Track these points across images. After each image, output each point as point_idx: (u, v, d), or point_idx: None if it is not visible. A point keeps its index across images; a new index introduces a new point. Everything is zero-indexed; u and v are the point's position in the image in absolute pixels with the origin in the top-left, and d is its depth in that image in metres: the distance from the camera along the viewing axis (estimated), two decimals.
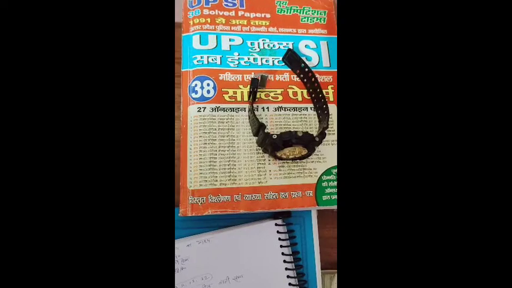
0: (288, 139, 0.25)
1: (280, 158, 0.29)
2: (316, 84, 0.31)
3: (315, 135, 0.28)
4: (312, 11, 0.35)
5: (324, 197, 0.30)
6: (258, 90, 0.32)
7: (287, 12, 0.35)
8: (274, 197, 0.29)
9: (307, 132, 0.26)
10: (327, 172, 0.30)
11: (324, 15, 0.36)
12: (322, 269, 0.36)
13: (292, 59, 0.32)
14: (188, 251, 0.30)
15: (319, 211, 0.37)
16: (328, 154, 0.31)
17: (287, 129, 0.30)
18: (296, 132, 0.26)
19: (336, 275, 0.35)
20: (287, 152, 0.28)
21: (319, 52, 0.34)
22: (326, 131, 0.31)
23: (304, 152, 0.28)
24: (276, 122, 0.31)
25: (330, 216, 0.38)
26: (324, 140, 0.31)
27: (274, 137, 0.26)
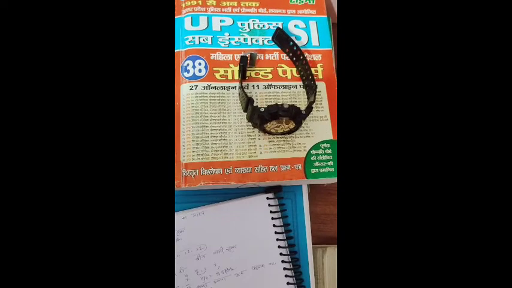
0: (275, 111, 0.27)
1: (270, 133, 0.30)
2: (304, 62, 0.32)
3: (303, 109, 0.29)
4: None
5: (313, 170, 0.31)
6: (249, 69, 0.33)
7: None
8: (264, 170, 0.30)
9: (293, 105, 0.27)
10: (315, 146, 0.31)
11: None
12: (313, 243, 0.37)
13: (281, 38, 0.33)
14: (184, 223, 0.31)
15: (311, 189, 0.38)
16: (316, 129, 0.32)
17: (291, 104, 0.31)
18: (282, 104, 0.27)
19: (327, 249, 0.36)
20: (275, 125, 0.29)
21: (308, 32, 0.35)
22: (314, 105, 0.32)
23: (292, 125, 0.29)
24: (266, 99, 0.32)
25: (322, 193, 0.39)
26: (313, 116, 0.32)
27: (262, 109, 0.27)
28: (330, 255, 0.36)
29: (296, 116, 0.27)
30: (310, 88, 0.31)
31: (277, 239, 0.32)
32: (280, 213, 0.33)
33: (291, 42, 0.32)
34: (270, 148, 0.31)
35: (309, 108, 0.29)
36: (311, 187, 0.38)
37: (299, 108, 0.28)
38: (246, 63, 0.31)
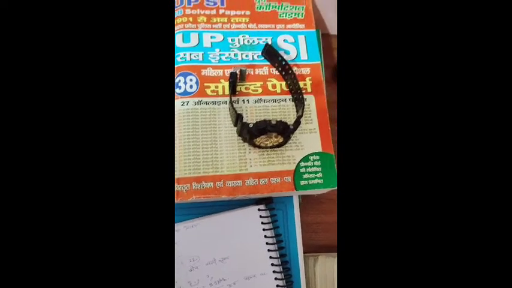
0: (263, 127, 0.27)
1: (259, 147, 0.31)
2: (293, 76, 0.33)
3: (291, 123, 0.30)
4: (290, 6, 0.37)
5: (302, 182, 0.32)
6: (239, 84, 0.33)
7: (266, 9, 0.37)
8: (254, 183, 0.31)
9: (281, 120, 0.28)
10: (305, 159, 0.32)
11: (302, 10, 0.37)
12: (305, 252, 0.38)
13: (270, 53, 0.34)
14: (177, 235, 0.32)
15: (302, 198, 0.39)
16: (305, 142, 0.33)
17: (270, 118, 0.32)
18: (270, 120, 0.28)
19: (319, 257, 0.37)
20: (264, 140, 0.30)
21: (297, 46, 0.36)
22: (302, 120, 0.33)
23: (281, 139, 0.30)
24: (256, 113, 0.33)
25: (313, 202, 0.40)
26: (302, 128, 0.33)
27: (251, 125, 0.28)
28: (322, 263, 0.36)
29: (284, 131, 0.28)
30: (299, 102, 0.32)
31: (269, 250, 0.33)
32: (271, 224, 0.34)
33: (280, 57, 0.33)
34: (260, 161, 0.32)
35: (297, 123, 0.30)
36: (302, 197, 0.39)
37: (286, 123, 0.28)
38: (236, 78, 0.32)
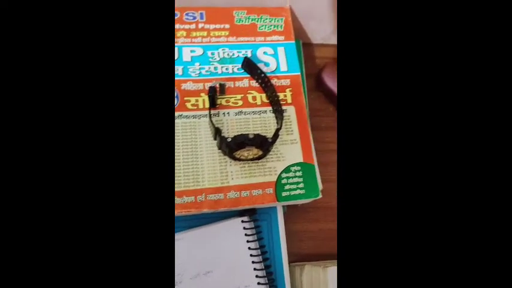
0: (241, 141, 0.28)
1: (240, 159, 0.31)
2: (272, 89, 0.33)
3: (271, 136, 0.30)
4: (269, 19, 0.38)
5: (284, 193, 0.32)
6: (219, 97, 0.34)
7: (245, 22, 0.37)
8: (236, 195, 0.31)
9: (258, 134, 0.28)
10: (286, 170, 0.32)
11: (281, 22, 0.38)
12: (292, 261, 0.38)
13: (250, 66, 0.34)
14: None
15: (288, 207, 0.39)
16: (287, 153, 0.33)
17: (248, 132, 0.33)
18: (248, 134, 0.28)
19: (305, 266, 0.37)
20: (244, 153, 0.30)
21: (277, 58, 0.36)
22: (283, 131, 0.33)
23: (260, 152, 0.30)
24: (237, 126, 0.33)
25: (299, 211, 0.40)
26: (283, 139, 0.34)
27: (229, 139, 0.28)
28: (308, 272, 0.36)
29: (262, 144, 0.29)
30: (279, 114, 0.33)
31: (253, 262, 0.33)
32: (255, 235, 0.34)
33: (259, 70, 0.34)
34: (242, 174, 0.32)
35: (275, 136, 0.30)
36: (287, 206, 0.39)
37: (265, 136, 0.29)
38: (215, 92, 0.32)
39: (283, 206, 0.38)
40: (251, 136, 0.28)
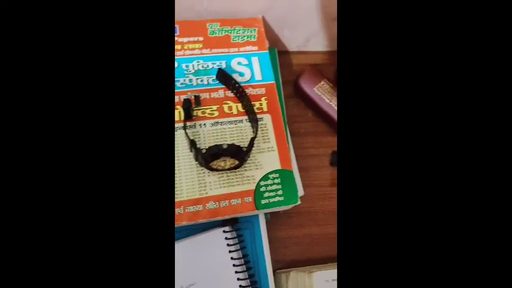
0: (215, 152, 0.28)
1: (217, 170, 0.31)
2: (247, 98, 0.34)
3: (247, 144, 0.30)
4: (243, 30, 0.38)
5: (263, 201, 0.32)
6: (195, 109, 0.34)
7: (219, 34, 0.38)
8: (215, 206, 0.31)
9: (233, 143, 0.29)
10: (264, 178, 0.33)
11: (254, 32, 0.39)
12: (278, 269, 0.38)
13: (224, 77, 0.35)
14: None
15: (271, 214, 0.39)
16: (264, 161, 0.33)
17: (222, 143, 0.33)
18: (222, 145, 0.28)
19: (291, 273, 0.37)
20: (221, 163, 0.30)
21: (251, 67, 0.37)
22: (259, 139, 0.33)
23: (236, 161, 0.30)
24: (214, 137, 0.34)
25: (282, 217, 0.41)
26: (260, 148, 0.34)
27: (203, 151, 0.28)
28: (294, 278, 0.36)
29: (237, 154, 0.29)
30: (254, 123, 0.33)
31: (236, 272, 0.33)
32: (238, 244, 0.34)
33: (233, 80, 0.34)
34: (220, 184, 0.32)
35: (250, 145, 0.30)
36: (270, 213, 0.39)
37: (239, 146, 0.29)
38: (190, 105, 0.32)
39: (266, 214, 0.38)
40: (225, 146, 0.28)
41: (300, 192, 0.39)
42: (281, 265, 0.38)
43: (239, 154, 0.29)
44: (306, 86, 0.43)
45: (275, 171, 0.33)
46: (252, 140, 0.30)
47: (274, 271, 0.37)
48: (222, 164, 0.31)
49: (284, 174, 0.33)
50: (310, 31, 0.44)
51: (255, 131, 0.31)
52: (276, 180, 0.33)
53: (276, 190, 0.33)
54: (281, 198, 0.33)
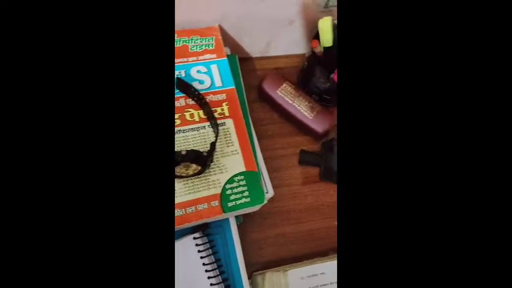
0: (174, 159, 0.28)
1: (181, 177, 0.32)
2: (207, 105, 0.34)
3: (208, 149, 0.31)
4: (200, 39, 0.39)
5: (229, 204, 0.32)
6: None
7: (177, 44, 0.39)
8: (181, 213, 0.31)
9: (192, 149, 0.29)
10: (230, 181, 0.33)
11: (212, 41, 0.40)
12: (254, 271, 0.38)
13: (183, 86, 0.36)
14: None
15: (244, 217, 0.40)
16: (229, 164, 0.34)
17: (181, 149, 0.33)
18: (180, 151, 0.29)
19: (266, 274, 0.37)
20: (183, 169, 0.31)
21: (211, 75, 0.38)
22: (223, 143, 0.34)
23: (200, 167, 0.31)
24: (177, 145, 0.34)
25: (256, 219, 0.41)
26: (224, 151, 0.34)
27: None
28: (269, 279, 0.37)
29: (197, 159, 0.29)
30: (215, 128, 0.34)
31: (209, 277, 0.33)
32: (210, 250, 0.34)
33: (192, 88, 0.35)
34: (185, 190, 0.32)
35: (211, 149, 0.31)
36: (244, 216, 0.40)
37: (198, 151, 0.29)
38: None
39: (239, 217, 0.39)
40: (183, 153, 0.28)
41: (270, 192, 0.40)
42: (258, 267, 0.39)
43: (200, 159, 0.30)
44: (269, 89, 0.44)
45: (240, 174, 0.34)
46: (213, 144, 0.31)
47: (251, 273, 0.38)
48: (185, 170, 0.31)
49: (249, 176, 0.34)
50: (269, 37, 0.46)
51: (216, 137, 0.32)
52: (242, 182, 0.33)
53: (242, 192, 0.33)
54: (247, 200, 0.33)
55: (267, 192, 0.40)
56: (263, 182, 0.40)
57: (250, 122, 0.41)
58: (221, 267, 0.34)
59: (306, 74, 0.45)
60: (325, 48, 0.42)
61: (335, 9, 0.41)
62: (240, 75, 0.43)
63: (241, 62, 0.48)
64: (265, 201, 0.34)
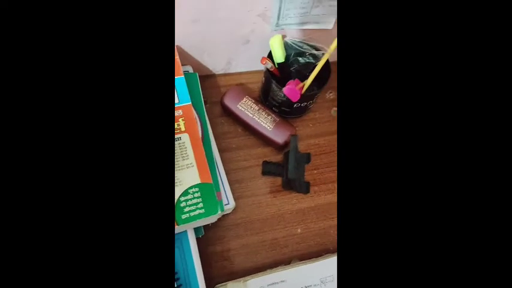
0: None
1: None
2: None
3: None
4: None
5: (183, 216, 0.33)
6: None
7: None
8: None
9: None
10: (184, 193, 0.34)
11: None
12: (217, 283, 0.38)
13: None
14: None
15: (206, 230, 0.40)
16: (183, 177, 0.35)
17: None
18: None
19: (228, 284, 0.37)
20: None
21: None
22: (178, 157, 0.35)
23: None
24: None
25: (218, 231, 0.42)
26: (179, 165, 0.35)
27: None
28: None
29: None
30: None
31: None
32: None
33: None
34: None
35: None
36: (206, 228, 0.40)
37: None
38: None
39: (200, 229, 0.39)
40: None
41: (231, 204, 0.41)
42: (222, 279, 0.39)
43: None
44: (230, 103, 0.46)
45: (195, 186, 0.35)
46: None
47: (214, 286, 0.38)
48: None
49: (204, 188, 0.35)
50: (228, 55, 0.48)
51: None
52: (196, 194, 0.34)
53: (197, 204, 0.34)
54: (202, 211, 0.34)
55: (227, 204, 0.41)
56: (224, 193, 0.41)
57: (211, 135, 0.43)
58: (178, 280, 0.34)
59: (264, 88, 0.47)
60: (279, 64, 0.44)
61: (286, 27, 0.44)
62: (200, 91, 0.45)
63: (205, 79, 0.51)
64: (223, 212, 0.35)
